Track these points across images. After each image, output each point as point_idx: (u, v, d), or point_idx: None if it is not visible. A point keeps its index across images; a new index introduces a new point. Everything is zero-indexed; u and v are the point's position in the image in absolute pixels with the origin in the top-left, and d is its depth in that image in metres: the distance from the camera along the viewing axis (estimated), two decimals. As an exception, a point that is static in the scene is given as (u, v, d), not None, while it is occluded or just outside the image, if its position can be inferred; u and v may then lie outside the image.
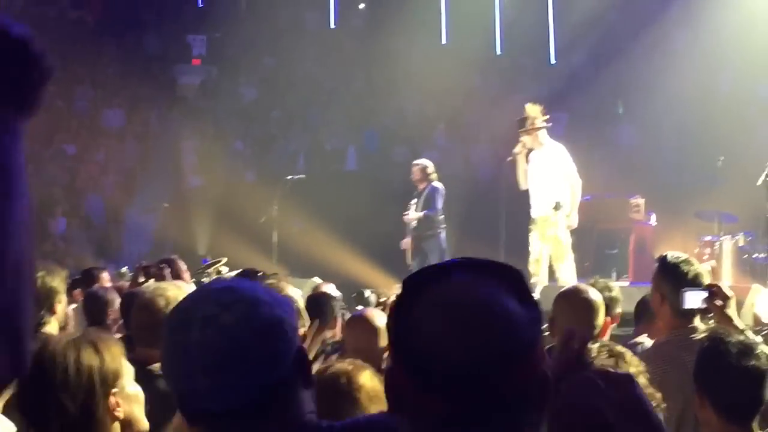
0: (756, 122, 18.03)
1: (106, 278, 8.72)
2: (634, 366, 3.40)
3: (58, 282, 5.21)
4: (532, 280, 11.27)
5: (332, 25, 22.41)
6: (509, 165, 11.99)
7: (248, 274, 8.18)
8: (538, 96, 19.50)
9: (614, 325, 7.49)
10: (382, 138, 20.92)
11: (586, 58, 21.31)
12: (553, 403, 1.65)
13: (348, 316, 6.40)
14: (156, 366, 4.44)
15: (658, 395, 3.34)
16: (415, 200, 13.93)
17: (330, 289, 7.49)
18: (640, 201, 15.07)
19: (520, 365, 1.59)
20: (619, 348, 3.48)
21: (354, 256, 15.86)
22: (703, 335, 4.62)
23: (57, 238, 18.62)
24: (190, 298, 2.07)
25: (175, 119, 20.80)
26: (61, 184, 19.70)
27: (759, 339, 4.11)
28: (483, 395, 1.56)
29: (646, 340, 5.52)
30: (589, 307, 4.68)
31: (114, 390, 2.80)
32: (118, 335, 5.70)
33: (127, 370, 2.88)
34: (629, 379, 2.08)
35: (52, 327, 5.15)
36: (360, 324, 5.08)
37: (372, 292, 9.48)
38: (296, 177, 16.11)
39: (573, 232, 12.05)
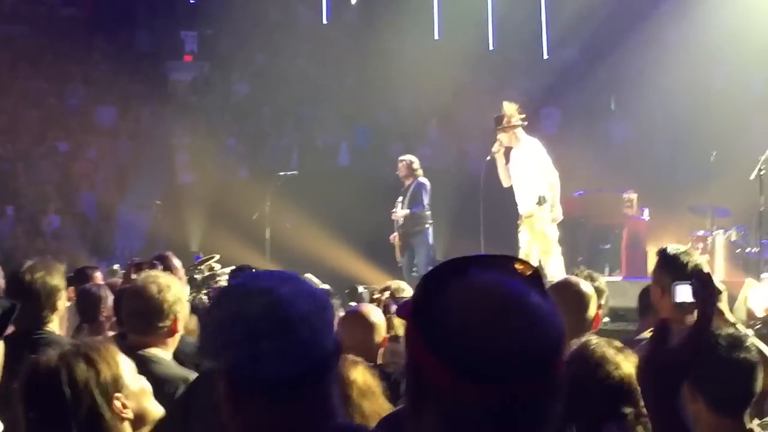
0: (749, 117, 18.05)
1: (99, 277, 8.70)
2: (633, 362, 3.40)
3: (58, 279, 5.21)
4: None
5: (325, 21, 22.38)
6: (489, 164, 12.00)
7: (242, 270, 8.18)
8: (531, 91, 19.61)
9: (607, 319, 7.51)
10: (375, 134, 20.92)
11: (579, 54, 21.32)
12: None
13: (342, 312, 6.40)
14: (149, 351, 4.43)
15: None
16: (402, 197, 13.92)
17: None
18: (633, 196, 15.06)
19: (555, 356, 1.60)
20: (617, 343, 3.48)
21: (347, 252, 15.86)
22: None
23: (50, 236, 18.60)
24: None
25: (167, 116, 20.77)
26: (53, 181, 19.68)
27: (750, 332, 4.11)
28: (519, 385, 1.56)
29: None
30: (580, 299, 4.67)
31: (117, 394, 2.76)
32: (111, 333, 5.69)
33: (127, 366, 2.84)
34: None
35: (54, 325, 5.15)
36: (355, 320, 5.07)
37: (365, 288, 9.47)
38: (289, 173, 16.10)
39: (565, 227, 12.05)
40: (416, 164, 13.96)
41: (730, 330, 3.75)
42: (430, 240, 13.96)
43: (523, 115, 11.83)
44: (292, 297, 1.98)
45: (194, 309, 6.83)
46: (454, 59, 19.51)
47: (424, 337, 1.61)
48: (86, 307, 6.68)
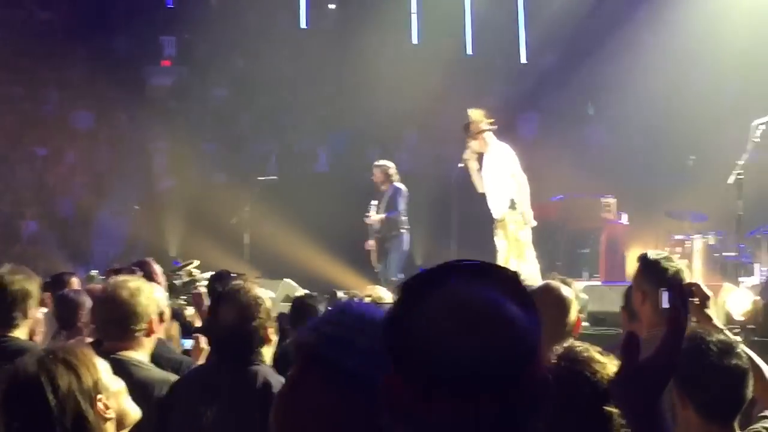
0: (726, 121, 18.11)
1: (75, 283, 8.67)
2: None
3: (35, 287, 5.19)
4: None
5: (303, 26, 22.36)
6: (461, 170, 12.04)
7: (221, 276, 8.16)
8: (509, 96, 19.65)
9: (586, 323, 7.53)
10: (354, 139, 20.90)
11: (557, 59, 21.37)
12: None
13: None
14: (127, 354, 4.42)
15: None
16: (376, 202, 13.90)
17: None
18: (611, 200, 15.13)
19: (527, 368, 1.57)
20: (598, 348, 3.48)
21: (326, 257, 15.84)
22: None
23: (27, 241, 18.50)
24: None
25: (145, 121, 20.69)
26: (30, 186, 19.57)
27: (738, 338, 4.12)
28: (492, 398, 1.54)
29: None
30: (561, 304, 4.67)
31: (99, 396, 2.75)
32: (90, 339, 5.66)
33: (104, 368, 2.84)
34: None
35: (21, 331, 5.11)
36: None
37: (344, 293, 9.46)
38: (268, 178, 16.07)
39: (543, 232, 12.10)
40: (392, 170, 13.94)
41: (721, 336, 3.75)
42: (405, 245, 13.93)
43: (491, 120, 11.86)
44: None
45: (175, 315, 6.82)
46: (432, 64, 19.52)
47: (392, 356, 1.59)
48: (64, 313, 6.64)
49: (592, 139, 20.57)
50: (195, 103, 21.38)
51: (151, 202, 18.96)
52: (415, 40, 21.95)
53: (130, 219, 18.84)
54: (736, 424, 3.60)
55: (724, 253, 13.91)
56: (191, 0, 21.90)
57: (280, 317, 7.06)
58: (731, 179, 11.04)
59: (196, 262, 11.14)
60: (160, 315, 4.94)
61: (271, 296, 9.10)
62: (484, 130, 11.73)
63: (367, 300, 6.29)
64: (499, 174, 11.66)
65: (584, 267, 14.90)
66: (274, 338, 4.42)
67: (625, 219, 15.19)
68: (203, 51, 21.82)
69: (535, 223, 11.74)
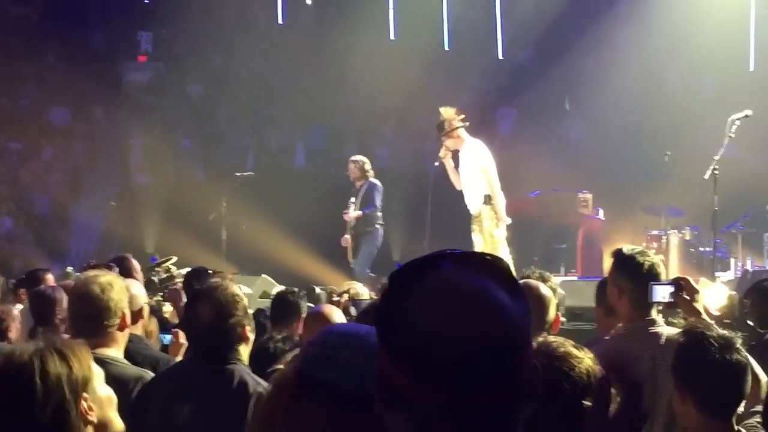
0: (702, 117, 18.22)
1: (50, 279, 8.64)
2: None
3: None
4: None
5: (280, 22, 22.32)
6: (437, 169, 12.07)
7: (198, 273, 8.14)
8: (487, 92, 19.69)
9: (563, 319, 7.55)
10: (331, 134, 20.89)
11: (534, 54, 21.42)
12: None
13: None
14: (102, 352, 4.40)
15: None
16: (354, 199, 13.90)
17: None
18: (588, 196, 15.17)
19: (516, 355, 1.59)
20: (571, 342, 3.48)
21: (303, 253, 15.83)
22: (660, 328, 4.64)
23: (2, 238, 18.40)
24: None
25: (121, 116, 20.61)
26: (5, 182, 19.46)
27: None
28: (482, 384, 1.56)
29: None
30: (540, 302, 4.68)
31: (84, 395, 2.76)
32: (66, 336, 5.64)
33: (97, 373, 2.84)
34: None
35: None
36: (318, 321, 5.07)
37: (322, 289, 9.46)
38: (245, 174, 16.04)
39: (520, 227, 12.14)
40: (368, 165, 13.93)
41: (721, 331, 3.76)
42: (379, 241, 13.94)
43: (463, 117, 11.89)
44: None
45: (153, 311, 6.80)
46: (409, 60, 19.53)
47: (383, 339, 1.62)
48: (40, 309, 6.61)
49: (569, 134, 20.63)
50: (172, 99, 21.31)
51: (127, 198, 18.89)
52: (392, 36, 21.95)
53: (107, 215, 18.77)
54: (734, 419, 3.61)
55: (700, 248, 14.00)
56: (168, -5, 21.82)
57: (258, 312, 7.06)
58: (707, 174, 11.09)
59: (174, 259, 11.12)
60: (139, 311, 4.92)
61: (248, 292, 9.10)
62: (457, 128, 11.76)
63: (345, 296, 6.30)
64: (473, 170, 11.69)
65: (561, 262, 14.94)
66: (251, 336, 4.41)
67: (601, 214, 15.24)
68: (180, 46, 21.74)
69: (509, 221, 11.75)
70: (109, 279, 4.55)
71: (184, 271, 9.85)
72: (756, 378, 4.03)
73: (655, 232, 13.97)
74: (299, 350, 1.97)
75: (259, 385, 4.20)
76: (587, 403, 2.79)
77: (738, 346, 3.63)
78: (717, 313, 7.93)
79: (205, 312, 4.28)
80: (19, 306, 7.57)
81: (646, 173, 17.27)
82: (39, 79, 21.09)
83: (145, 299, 5.25)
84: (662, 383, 4.37)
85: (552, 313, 4.79)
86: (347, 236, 13.90)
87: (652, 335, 4.62)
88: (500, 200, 11.66)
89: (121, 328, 4.51)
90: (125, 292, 4.58)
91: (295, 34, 21.44)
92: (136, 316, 4.82)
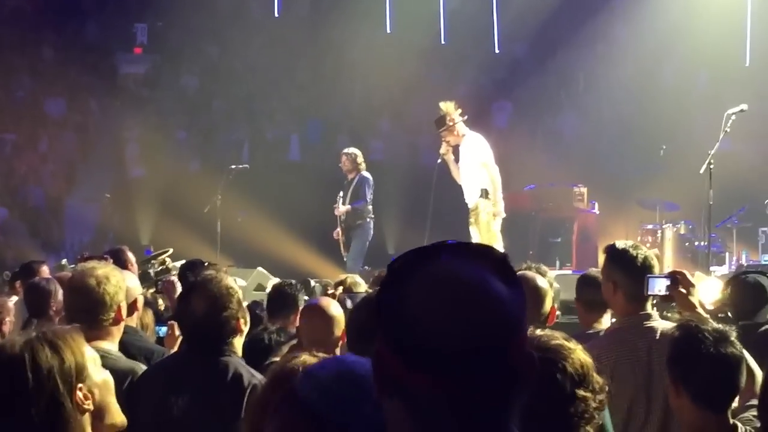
0: (697, 111, 18.24)
1: (45, 271, 8.65)
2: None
3: None
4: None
5: (276, 14, 22.28)
6: (440, 166, 12.06)
7: (194, 265, 8.13)
8: (483, 85, 19.69)
9: (558, 312, 7.55)
10: (327, 127, 20.87)
11: (530, 48, 21.41)
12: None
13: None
14: (96, 344, 4.38)
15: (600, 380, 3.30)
16: (342, 192, 13.88)
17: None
18: (583, 189, 15.19)
19: (511, 344, 1.62)
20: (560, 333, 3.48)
21: (298, 245, 15.82)
22: (656, 322, 4.65)
23: (-3, 229, 18.37)
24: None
25: (117, 108, 20.59)
26: (0, 174, 19.43)
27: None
28: (478, 372, 1.59)
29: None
30: (536, 293, 4.68)
31: (80, 385, 2.73)
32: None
33: (92, 358, 2.81)
34: None
35: None
36: (315, 313, 5.06)
37: (317, 282, 9.45)
38: (240, 167, 16.03)
39: (516, 221, 12.14)
40: (360, 158, 13.91)
41: (715, 324, 3.76)
42: (369, 234, 13.92)
43: (460, 110, 11.89)
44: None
45: (149, 303, 6.80)
46: (405, 53, 19.53)
47: (381, 327, 1.64)
48: (35, 301, 6.61)
49: (564, 128, 20.64)
50: (167, 91, 21.27)
51: (122, 190, 18.87)
52: (388, 29, 21.93)
53: (102, 207, 18.75)
54: (729, 413, 3.62)
55: (695, 243, 14.01)
56: (163, -13, 21.78)
57: (253, 305, 7.06)
58: (702, 169, 11.09)
59: (170, 251, 11.10)
60: (134, 303, 4.90)
61: (242, 285, 9.09)
62: (457, 122, 11.76)
63: (340, 289, 6.29)
64: (472, 163, 11.70)
65: (556, 256, 14.94)
66: (245, 329, 4.40)
67: (596, 208, 15.26)
68: (175, 39, 21.71)
69: (504, 215, 11.77)
70: (105, 271, 4.52)
71: (179, 263, 9.84)
72: (751, 372, 4.04)
73: (650, 226, 13.98)
74: (300, 373, 1.95)
75: (253, 377, 4.20)
76: (582, 393, 2.80)
77: (732, 339, 3.64)
78: (711, 307, 7.94)
79: (199, 304, 4.27)
80: (15, 298, 7.56)
81: (642, 167, 17.30)
82: (34, 70, 21.06)
83: (139, 291, 5.24)
84: (658, 377, 4.38)
85: (548, 306, 4.79)
86: (338, 230, 13.90)
87: (647, 329, 4.63)
88: (500, 194, 11.69)
89: (117, 321, 4.50)
90: (122, 284, 4.56)
91: (290, 26, 21.42)
92: (131, 308, 4.81)
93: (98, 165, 19.58)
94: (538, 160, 17.25)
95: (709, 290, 8.53)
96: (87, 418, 2.73)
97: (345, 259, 13.88)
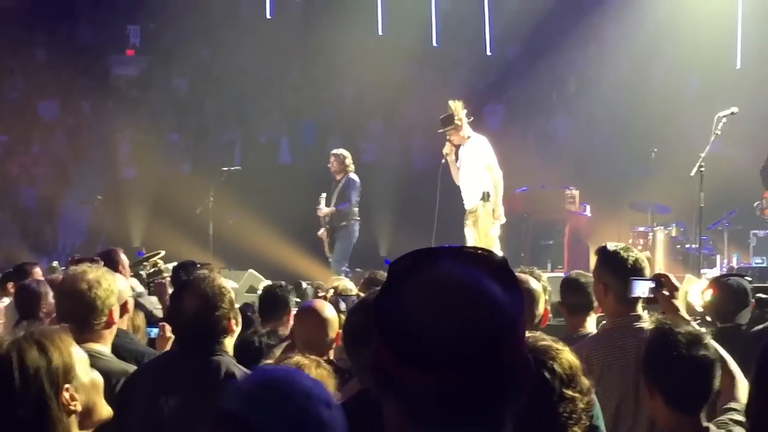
0: (689, 113, 18.26)
1: (38, 273, 8.63)
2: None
3: None
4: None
5: (268, 16, 22.29)
6: (444, 166, 12.04)
7: (186, 266, 8.13)
8: (475, 88, 19.68)
9: (550, 315, 7.57)
10: (318, 129, 20.88)
11: (522, 50, 21.43)
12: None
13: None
14: (88, 346, 4.38)
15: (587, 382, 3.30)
16: (325, 193, 13.88)
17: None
18: (575, 192, 15.20)
19: (504, 345, 1.64)
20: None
21: (290, 247, 15.82)
22: (646, 323, 4.67)
23: (-12, 231, 18.35)
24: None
25: (109, 110, 20.57)
26: (-8, 175, 19.42)
27: (703, 329, 4.16)
28: (470, 369, 1.61)
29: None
30: (529, 296, 4.71)
31: (66, 386, 2.71)
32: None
33: (79, 358, 2.79)
34: None
35: None
36: (309, 316, 5.06)
37: (309, 284, 9.47)
38: (232, 168, 16.03)
39: (507, 223, 12.10)
40: (349, 160, 13.90)
41: (689, 327, 3.78)
42: (354, 236, 13.90)
43: (466, 111, 11.88)
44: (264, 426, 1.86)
45: (140, 305, 6.79)
46: (397, 55, 19.53)
47: (378, 325, 1.68)
48: (25, 303, 6.59)
49: (556, 130, 20.66)
50: (159, 93, 21.27)
51: (114, 192, 18.86)
52: (380, 31, 21.94)
53: (94, 209, 18.73)
54: (702, 415, 3.63)
55: (686, 245, 14.03)
56: (156, -11, 21.78)
57: (245, 307, 7.06)
58: (693, 171, 11.11)
59: (162, 253, 11.10)
60: (124, 305, 4.90)
61: (234, 287, 9.09)
62: (464, 122, 11.77)
63: (331, 292, 6.29)
64: (476, 165, 11.68)
65: (548, 258, 14.96)
66: (237, 329, 4.41)
67: (588, 211, 15.28)
68: (168, 40, 21.71)
69: (504, 220, 11.78)
70: (97, 275, 4.51)
71: (171, 265, 9.84)
72: (730, 374, 4.05)
73: (641, 229, 14.00)
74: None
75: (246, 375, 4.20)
76: (571, 393, 2.82)
77: (706, 341, 3.65)
78: (701, 310, 7.96)
79: (191, 303, 4.27)
80: (6, 300, 7.56)
81: (633, 170, 17.32)
82: (26, 72, 21.04)
83: (129, 293, 5.24)
84: (647, 378, 4.40)
85: (541, 307, 4.83)
86: (323, 230, 13.92)
87: (637, 330, 4.65)
88: (500, 198, 11.70)
89: (109, 324, 4.49)
90: (114, 287, 4.55)
91: (283, 28, 21.42)
92: (121, 310, 4.80)
93: (90, 167, 19.57)
94: (530, 162, 17.26)
95: (700, 293, 8.55)
96: (74, 420, 2.72)
97: (329, 260, 13.89)
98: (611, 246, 4.93)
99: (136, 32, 22.12)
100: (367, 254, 14.38)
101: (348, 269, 13.46)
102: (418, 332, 1.61)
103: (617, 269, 4.76)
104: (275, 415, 1.85)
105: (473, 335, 1.61)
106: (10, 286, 8.30)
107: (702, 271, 12.09)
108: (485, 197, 11.60)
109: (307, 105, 20.88)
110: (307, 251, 15.51)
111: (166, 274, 9.24)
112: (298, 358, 3.69)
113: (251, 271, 13.03)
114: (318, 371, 3.60)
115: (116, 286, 4.59)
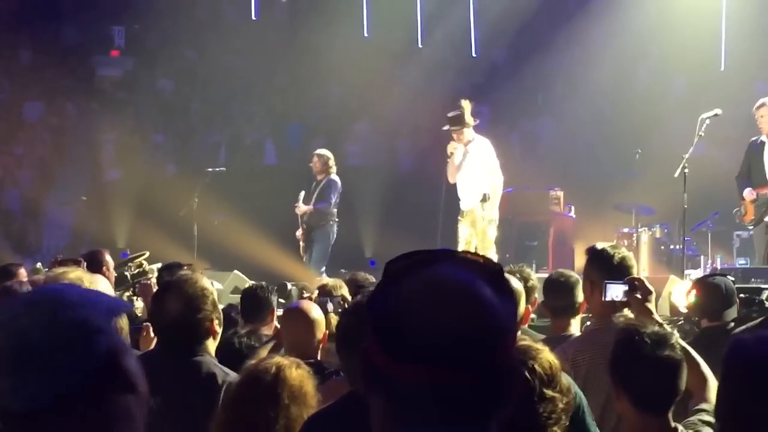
0: (673, 115, 18.32)
1: (23, 274, 8.61)
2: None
3: None
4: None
5: (254, 17, 22.26)
6: (427, 166, 12.07)
7: (171, 267, 8.12)
8: (460, 89, 19.67)
9: (533, 315, 7.58)
10: (304, 131, 20.87)
11: (507, 52, 21.46)
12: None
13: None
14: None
15: (566, 383, 3.31)
16: (304, 192, 13.89)
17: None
18: (560, 193, 15.24)
19: (495, 347, 1.66)
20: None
21: (275, 249, 15.80)
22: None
23: (-29, 232, 18.28)
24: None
25: (93, 111, 20.51)
26: (-25, 177, 19.34)
27: (675, 331, 4.17)
28: (460, 367, 1.62)
29: None
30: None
31: None
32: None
33: None
34: None
35: None
36: (296, 317, 5.06)
37: (293, 285, 9.46)
38: (216, 169, 16.01)
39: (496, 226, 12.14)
40: (332, 161, 13.93)
41: (655, 328, 3.79)
42: (332, 237, 13.93)
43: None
44: (29, 329, 1.79)
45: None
46: (383, 57, 19.53)
47: (371, 321, 1.70)
48: (8, 305, 6.56)
49: (541, 132, 20.70)
50: (144, 94, 21.22)
51: (98, 193, 18.80)
52: (366, 32, 21.94)
53: (78, 210, 18.67)
54: (670, 415, 3.65)
55: (670, 246, 14.08)
56: (141, -10, 21.73)
57: (229, 308, 7.05)
58: (677, 173, 11.16)
59: (146, 254, 11.09)
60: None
61: (219, 288, 9.06)
62: (472, 124, 11.84)
63: (315, 293, 6.29)
64: (479, 167, 11.73)
65: (533, 259, 14.96)
66: (219, 330, 4.40)
67: (573, 212, 15.31)
68: (153, 41, 21.65)
69: (497, 223, 11.87)
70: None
71: (155, 266, 9.83)
72: (702, 376, 4.06)
73: (625, 230, 14.04)
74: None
75: (227, 375, 4.20)
76: (551, 393, 2.83)
77: (672, 342, 3.66)
78: (686, 310, 7.99)
79: (173, 304, 4.26)
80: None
81: (617, 171, 17.36)
82: (11, 73, 20.96)
83: (111, 294, 5.23)
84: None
85: (522, 307, 4.85)
86: (300, 231, 13.93)
87: (621, 331, 4.67)
88: (497, 202, 11.78)
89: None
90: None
91: (268, 30, 21.40)
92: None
93: (75, 168, 19.51)
94: (515, 164, 17.25)
95: (683, 293, 8.58)
96: None
97: (304, 260, 13.89)
98: (600, 245, 4.98)
99: (121, 33, 22.05)
100: (353, 255, 14.38)
101: (324, 271, 13.47)
102: (409, 329, 1.63)
103: (603, 267, 4.78)
104: (48, 322, 1.79)
105: (465, 335, 1.63)
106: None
107: (686, 272, 12.14)
108: (485, 199, 11.65)
109: (292, 107, 20.87)
110: (293, 253, 15.49)
111: (150, 275, 9.23)
112: (278, 359, 3.69)
113: (236, 272, 13.01)
114: (298, 371, 3.60)
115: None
